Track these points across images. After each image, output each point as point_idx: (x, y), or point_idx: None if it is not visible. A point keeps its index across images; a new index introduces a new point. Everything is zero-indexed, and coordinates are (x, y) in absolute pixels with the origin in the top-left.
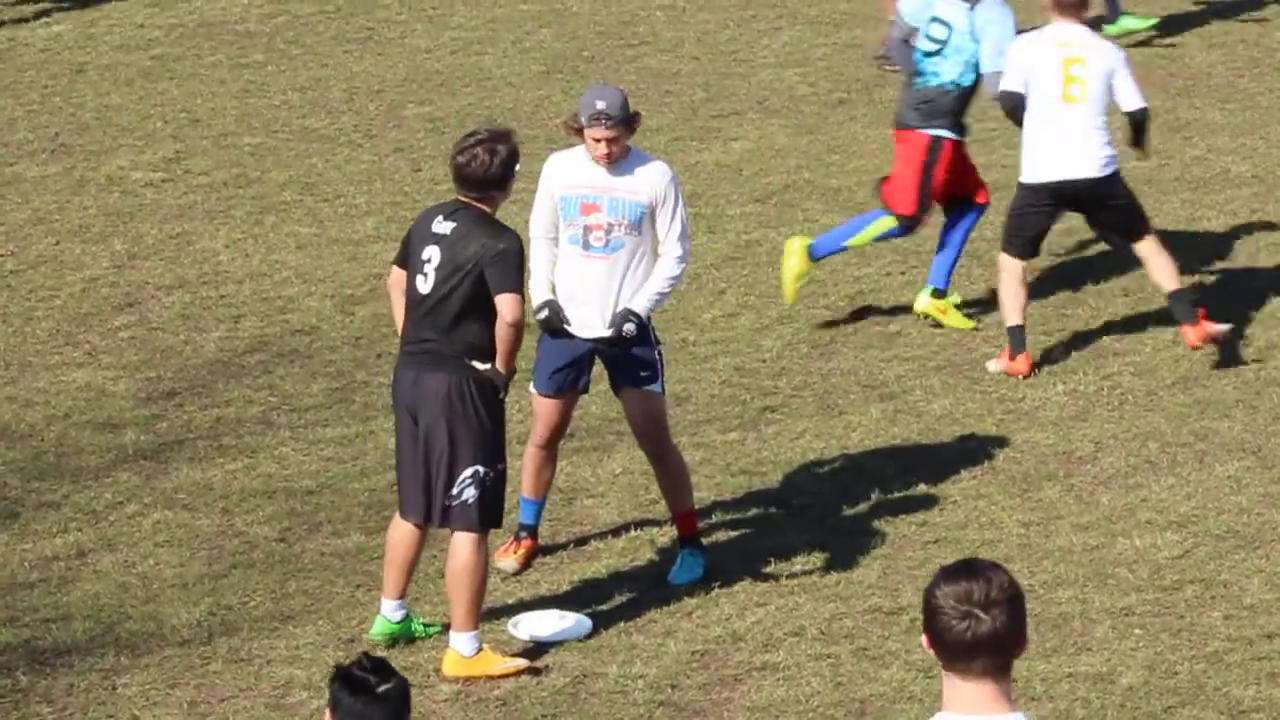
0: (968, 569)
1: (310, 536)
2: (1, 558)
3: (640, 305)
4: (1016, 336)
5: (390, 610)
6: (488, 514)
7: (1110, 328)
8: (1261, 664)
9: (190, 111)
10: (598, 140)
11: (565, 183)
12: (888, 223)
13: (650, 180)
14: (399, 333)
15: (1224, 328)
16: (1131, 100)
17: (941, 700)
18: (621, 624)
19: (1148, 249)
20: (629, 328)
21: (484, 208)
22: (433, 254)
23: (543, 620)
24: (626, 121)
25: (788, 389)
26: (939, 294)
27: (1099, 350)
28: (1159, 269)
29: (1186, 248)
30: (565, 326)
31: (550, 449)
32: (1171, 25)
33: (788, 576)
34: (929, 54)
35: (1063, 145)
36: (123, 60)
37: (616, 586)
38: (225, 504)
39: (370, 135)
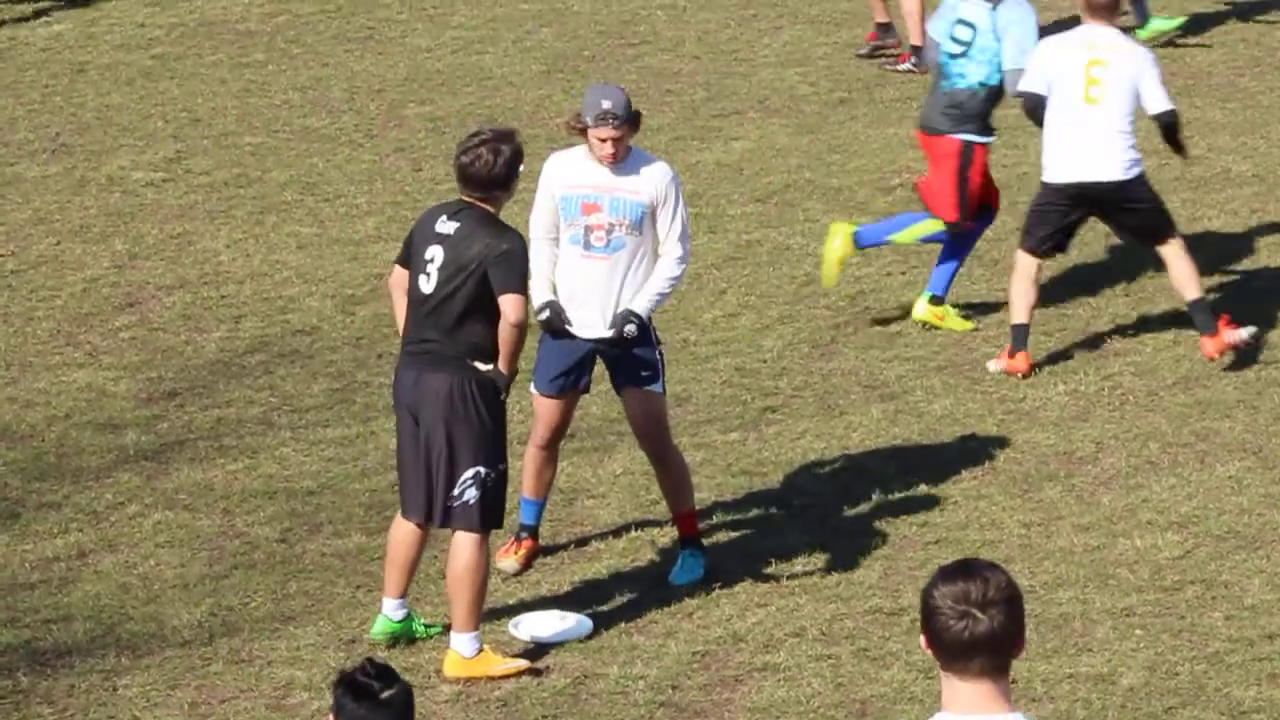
0: (965, 569)
1: (311, 537)
2: (2, 558)
3: (641, 306)
4: (1019, 335)
5: (391, 609)
6: (489, 515)
7: (1111, 328)
8: (1262, 665)
9: (191, 111)
10: (603, 140)
11: (566, 183)
12: (935, 225)
13: (651, 180)
14: (400, 332)
15: (1245, 334)
16: (1157, 103)
17: (941, 701)
18: (622, 625)
19: (1171, 253)
20: (630, 329)
21: (487, 208)
22: (436, 254)
23: (543, 621)
24: (631, 121)
25: (788, 389)
26: (936, 301)
27: (1100, 350)
28: (1181, 275)
29: (1187, 247)
30: (566, 327)
31: (551, 449)
32: (1190, 24)
33: (788, 577)
34: (954, 56)
35: (1084, 147)
36: (123, 60)
37: (617, 587)
38: (226, 504)
39: (371, 135)
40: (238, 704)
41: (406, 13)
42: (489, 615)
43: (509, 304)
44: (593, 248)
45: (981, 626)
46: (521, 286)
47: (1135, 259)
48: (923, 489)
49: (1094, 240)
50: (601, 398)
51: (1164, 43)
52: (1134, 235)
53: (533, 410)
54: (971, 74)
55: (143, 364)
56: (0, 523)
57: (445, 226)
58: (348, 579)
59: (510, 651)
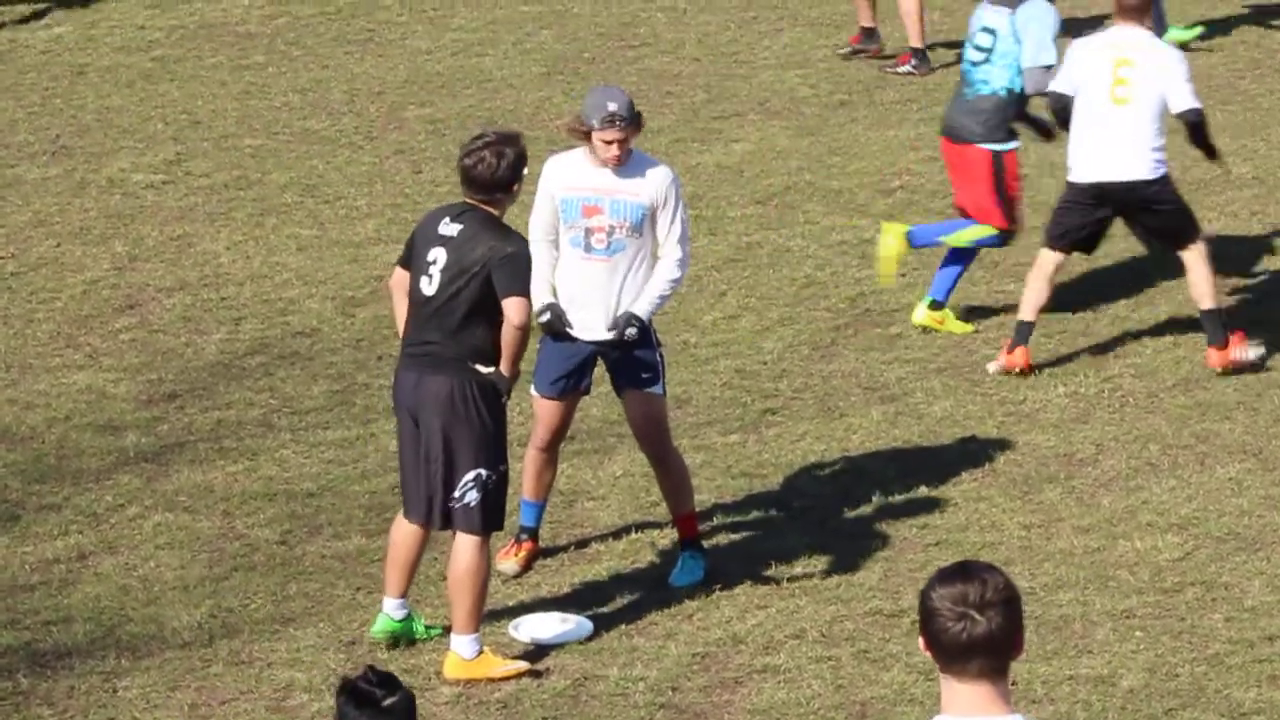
0: (963, 571)
1: (311, 539)
2: (2, 560)
3: (642, 309)
4: (1021, 331)
5: (392, 608)
6: (490, 517)
7: (1111, 329)
8: (1262, 666)
9: (191, 113)
10: (609, 142)
11: (566, 185)
12: (988, 229)
13: (651, 182)
14: (399, 334)
15: (1253, 353)
16: (1181, 102)
17: (940, 703)
18: (622, 626)
19: (1192, 259)
20: (631, 332)
21: (490, 210)
22: (438, 255)
23: (544, 622)
24: (635, 122)
25: (788, 391)
26: (936, 305)
27: (1100, 352)
28: (1199, 283)
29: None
30: (567, 330)
31: (551, 451)
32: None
33: (789, 579)
34: (975, 63)
35: (1109, 147)
36: (123, 62)
37: (617, 589)
38: (226, 506)
39: (371, 137)
40: (238, 705)
41: (407, 15)
42: (489, 617)
43: (513, 307)
44: (593, 250)
45: (980, 628)
46: (525, 289)
47: (1135, 261)
48: (923, 491)
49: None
50: (601, 399)
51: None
52: (1156, 238)
53: (533, 412)
54: (994, 79)
55: (143, 366)
56: (0, 525)
57: (448, 229)
58: (348, 581)
59: (510, 653)
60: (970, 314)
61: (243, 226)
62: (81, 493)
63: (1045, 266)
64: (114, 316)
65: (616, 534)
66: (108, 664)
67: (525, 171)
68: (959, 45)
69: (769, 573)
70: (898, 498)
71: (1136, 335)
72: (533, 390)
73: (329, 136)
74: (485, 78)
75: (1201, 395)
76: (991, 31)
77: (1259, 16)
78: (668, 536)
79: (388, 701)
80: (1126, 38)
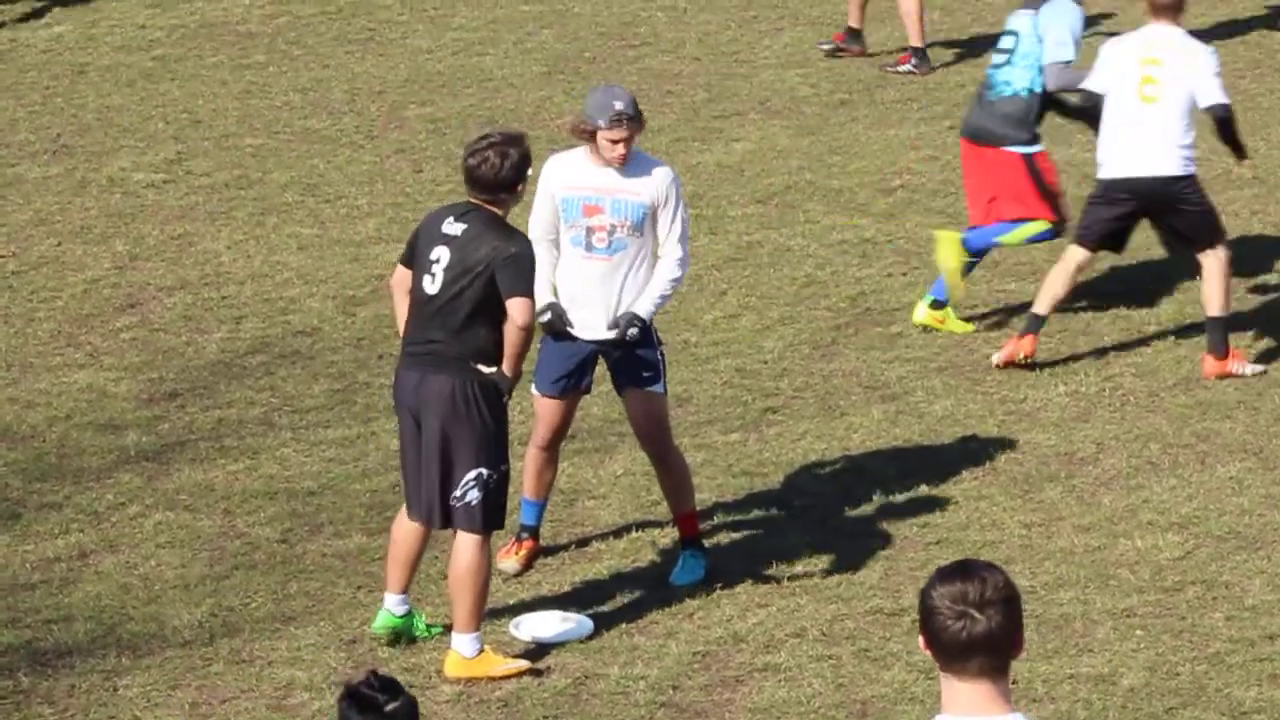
0: (963, 569)
1: (312, 538)
2: (3, 559)
3: (643, 308)
4: (1032, 321)
5: (393, 604)
6: (491, 516)
7: (1112, 329)
8: (1263, 665)
9: (192, 112)
10: (616, 141)
11: (567, 184)
12: (1041, 225)
13: (652, 181)
14: (400, 332)
15: (1250, 370)
16: (1209, 97)
17: (941, 702)
18: (623, 625)
19: (1211, 264)
20: (633, 332)
21: (494, 210)
22: (442, 255)
23: (544, 621)
24: (640, 120)
25: (789, 390)
26: (937, 305)
27: (1101, 351)
28: (1212, 289)
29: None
30: (568, 329)
31: (552, 450)
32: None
33: (789, 578)
34: (998, 66)
35: (1138, 144)
36: (124, 61)
37: (618, 588)
38: (227, 505)
39: (372, 136)
40: (238, 704)
41: (407, 14)
42: (490, 616)
43: (516, 307)
44: (594, 249)
45: (979, 627)
46: (528, 290)
47: (1136, 260)
48: (924, 490)
49: None
50: (602, 398)
51: None
52: (1180, 239)
53: (534, 411)
54: (1016, 80)
55: (144, 365)
56: (1, 523)
57: (452, 228)
58: (348, 579)
59: (511, 652)
60: (970, 314)
61: (243, 226)
62: (82, 491)
63: (1070, 262)
64: (115, 315)
65: (617, 533)
66: (108, 662)
67: (530, 172)
68: (959, 45)
69: (770, 571)
70: (898, 496)
71: (1138, 334)
72: (533, 389)
73: (330, 136)
74: (486, 77)
75: (1202, 394)
76: (1014, 34)
77: (1259, 16)
78: (668, 535)
79: (390, 706)
80: (1158, 36)
